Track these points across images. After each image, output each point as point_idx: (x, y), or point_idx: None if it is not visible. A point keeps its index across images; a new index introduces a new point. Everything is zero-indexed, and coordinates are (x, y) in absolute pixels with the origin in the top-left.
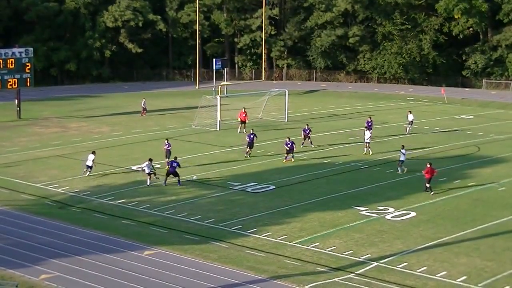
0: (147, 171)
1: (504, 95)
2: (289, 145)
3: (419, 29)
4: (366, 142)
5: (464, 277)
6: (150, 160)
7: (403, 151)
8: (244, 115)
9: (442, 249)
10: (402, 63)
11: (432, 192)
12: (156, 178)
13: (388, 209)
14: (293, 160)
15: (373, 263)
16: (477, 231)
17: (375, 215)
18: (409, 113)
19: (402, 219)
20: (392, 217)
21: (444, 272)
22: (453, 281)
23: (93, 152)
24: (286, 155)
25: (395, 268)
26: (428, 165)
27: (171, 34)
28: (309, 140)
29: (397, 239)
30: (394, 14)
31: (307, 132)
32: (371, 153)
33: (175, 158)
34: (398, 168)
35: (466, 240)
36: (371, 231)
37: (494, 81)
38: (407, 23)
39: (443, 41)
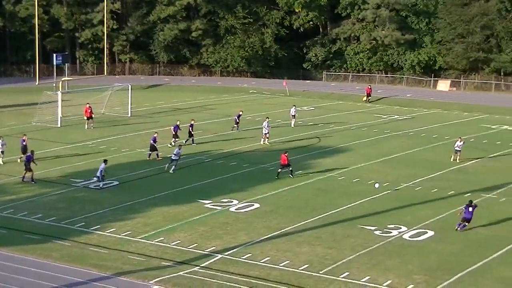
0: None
1: (343, 86)
2: (152, 141)
3: (261, 22)
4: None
5: (306, 265)
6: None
7: (180, 151)
8: (89, 111)
9: (285, 239)
10: (245, 57)
11: (277, 178)
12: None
13: (232, 201)
14: (158, 158)
15: (217, 256)
16: (318, 220)
17: (219, 207)
18: (293, 106)
19: (246, 211)
20: (236, 209)
21: (287, 261)
22: (295, 270)
23: None
24: (150, 152)
25: (239, 259)
26: (285, 154)
27: (8, 28)
28: (192, 138)
29: (241, 231)
30: (237, 8)
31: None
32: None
33: (32, 152)
34: (169, 166)
35: (308, 229)
36: (216, 224)
37: (334, 73)
38: (249, 16)
39: (285, 35)
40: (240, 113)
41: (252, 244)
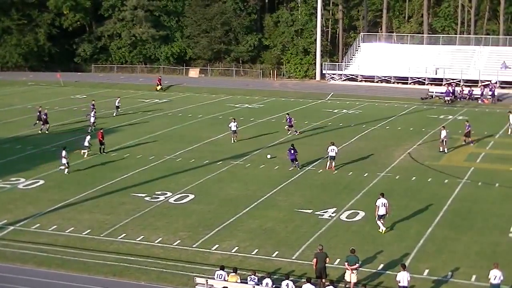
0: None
1: (110, 76)
2: None
3: (35, 23)
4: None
5: (89, 230)
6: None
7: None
8: None
9: (69, 209)
10: (21, 53)
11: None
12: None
13: (20, 179)
14: None
15: (10, 227)
16: (97, 191)
17: (8, 185)
18: (118, 98)
19: (33, 187)
20: (23, 186)
21: (72, 228)
22: (80, 235)
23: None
24: None
25: (29, 229)
26: (101, 130)
27: None
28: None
29: (29, 205)
30: (11, 11)
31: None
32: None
33: None
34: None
35: (89, 199)
36: (6, 200)
37: (101, 65)
38: (23, 18)
39: (56, 33)
40: (93, 102)
41: (40, 216)
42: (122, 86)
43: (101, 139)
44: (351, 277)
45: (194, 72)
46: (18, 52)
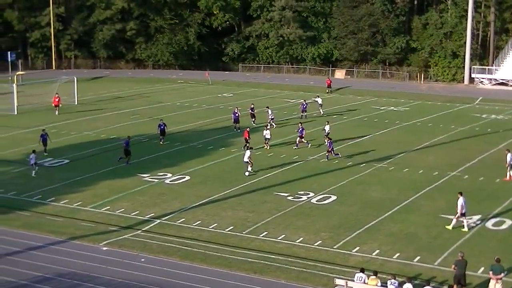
0: None
1: (256, 76)
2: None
3: (185, 23)
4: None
5: (231, 227)
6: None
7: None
8: (57, 100)
9: (213, 205)
10: (172, 52)
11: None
12: None
13: (167, 174)
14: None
15: (156, 221)
16: (240, 189)
17: (156, 180)
18: (317, 97)
19: (179, 182)
20: (170, 181)
21: (215, 224)
22: (222, 231)
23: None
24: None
25: (174, 223)
26: (247, 129)
27: None
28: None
29: (175, 199)
30: (164, 11)
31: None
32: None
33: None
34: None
35: (232, 196)
36: (153, 194)
37: (248, 65)
38: (175, 18)
39: (206, 33)
40: (252, 106)
41: (185, 210)
42: (268, 86)
43: (247, 137)
44: (495, 287)
45: (340, 73)
46: (169, 50)
